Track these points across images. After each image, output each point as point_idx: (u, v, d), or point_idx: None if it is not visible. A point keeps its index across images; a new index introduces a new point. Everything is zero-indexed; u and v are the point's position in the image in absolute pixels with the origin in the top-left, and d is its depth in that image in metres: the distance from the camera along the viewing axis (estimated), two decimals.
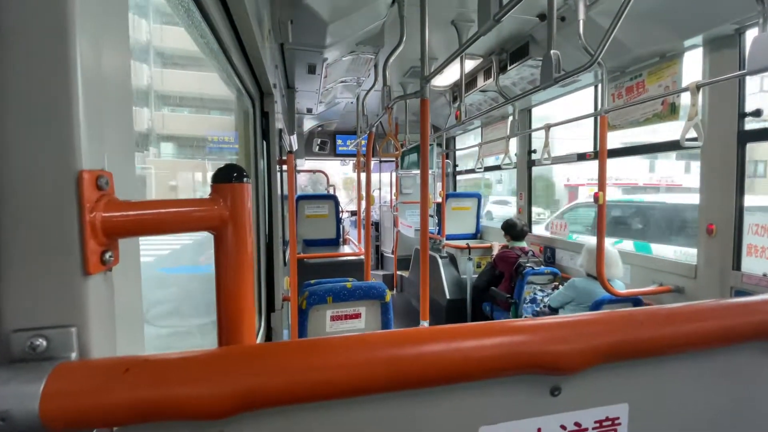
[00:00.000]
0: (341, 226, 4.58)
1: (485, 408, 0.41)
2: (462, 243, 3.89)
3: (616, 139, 2.67)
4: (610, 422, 0.45)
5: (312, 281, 2.17)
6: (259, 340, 1.59)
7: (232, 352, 0.37)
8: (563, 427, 0.43)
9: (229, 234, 0.41)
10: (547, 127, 2.89)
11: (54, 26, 0.33)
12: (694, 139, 1.73)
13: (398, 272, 5.09)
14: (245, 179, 0.41)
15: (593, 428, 0.44)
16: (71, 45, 0.33)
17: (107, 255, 0.36)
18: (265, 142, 1.89)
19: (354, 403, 0.38)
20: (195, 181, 1.53)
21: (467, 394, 0.41)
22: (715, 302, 0.49)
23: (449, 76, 3.41)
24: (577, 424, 0.44)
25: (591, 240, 2.41)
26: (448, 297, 3.71)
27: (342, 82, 3.14)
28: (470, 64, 3.20)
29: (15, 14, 0.32)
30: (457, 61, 2.42)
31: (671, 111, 2.27)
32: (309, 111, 3.86)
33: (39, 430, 0.30)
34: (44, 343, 0.33)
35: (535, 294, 2.92)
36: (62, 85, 0.33)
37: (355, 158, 5.11)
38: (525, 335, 0.41)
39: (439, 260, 3.86)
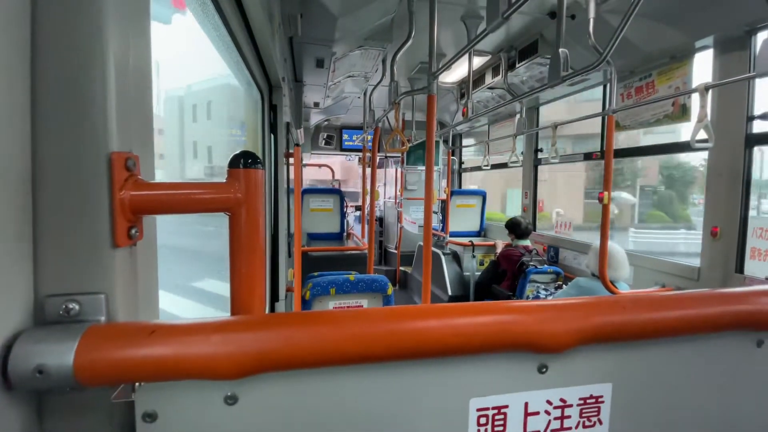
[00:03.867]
0: (345, 221, 4.60)
1: (476, 381, 0.44)
2: (465, 240, 3.90)
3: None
4: (594, 400, 0.47)
5: (315, 273, 2.20)
6: None
7: (247, 320, 0.40)
8: (549, 402, 0.46)
9: (242, 215, 0.43)
10: (554, 126, 2.88)
11: (89, 22, 0.36)
12: (705, 141, 1.72)
13: (401, 268, 5.12)
14: (258, 165, 0.44)
15: (578, 405, 0.46)
16: (105, 38, 0.36)
17: (133, 230, 0.40)
18: (272, 135, 1.92)
19: (356, 370, 0.41)
20: None
21: (459, 367, 0.43)
22: (699, 292, 0.51)
23: (457, 72, 3.41)
24: (562, 400, 0.46)
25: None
26: (450, 293, 3.73)
27: (349, 76, 3.15)
28: (478, 61, 3.19)
29: (55, 14, 0.35)
30: (466, 57, 2.42)
31: (682, 112, 2.25)
32: (316, 105, 3.88)
33: (72, 384, 0.33)
34: (77, 307, 0.36)
35: (538, 293, 2.93)
36: (97, 74, 0.36)
37: (360, 153, 5.13)
38: (515, 315, 0.43)
39: (442, 257, 3.88)
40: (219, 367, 0.35)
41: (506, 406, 0.44)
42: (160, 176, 0.56)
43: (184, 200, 0.42)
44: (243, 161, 0.43)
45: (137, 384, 0.37)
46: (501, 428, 0.44)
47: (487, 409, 0.44)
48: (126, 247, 0.40)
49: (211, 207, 0.44)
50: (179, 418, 0.38)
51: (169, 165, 1.05)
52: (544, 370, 0.45)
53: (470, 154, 5.52)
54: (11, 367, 0.32)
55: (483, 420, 0.44)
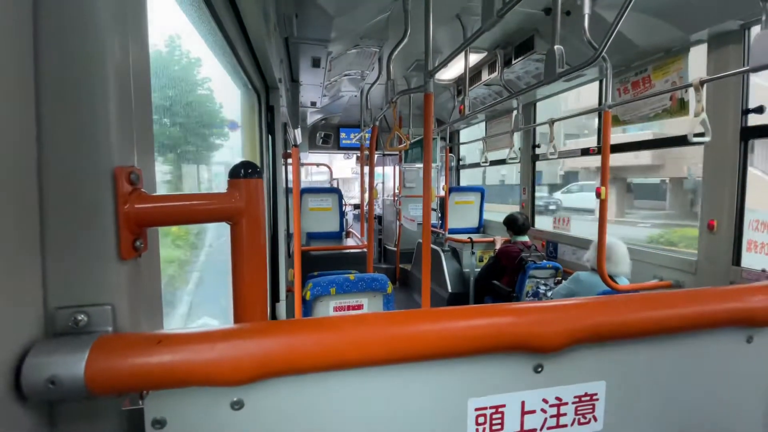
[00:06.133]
0: (344, 219, 4.61)
1: (474, 381, 0.45)
2: (465, 237, 3.91)
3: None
4: (588, 398, 0.48)
5: (315, 273, 2.21)
6: None
7: (251, 328, 0.41)
8: (545, 400, 0.47)
9: (244, 225, 0.44)
10: (551, 122, 2.89)
11: (89, 34, 0.36)
12: (702, 135, 1.73)
13: (400, 266, 5.13)
14: (258, 174, 0.45)
15: (573, 403, 0.48)
16: (107, 54, 0.37)
17: (138, 242, 0.40)
18: (270, 136, 1.92)
19: (358, 373, 0.42)
20: None
21: (458, 368, 0.44)
22: (693, 290, 0.52)
23: (453, 70, 3.41)
24: (558, 398, 0.47)
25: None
26: (450, 290, 3.75)
27: (346, 75, 3.15)
28: (474, 58, 3.19)
29: (56, 28, 0.36)
30: (462, 55, 2.42)
31: (680, 106, 2.26)
32: (313, 104, 3.88)
33: (84, 394, 0.34)
34: (85, 318, 0.37)
35: (537, 288, 2.95)
36: (98, 89, 0.37)
37: (358, 152, 5.12)
38: (510, 317, 0.44)
39: (442, 254, 3.89)
40: (224, 373, 0.36)
41: (503, 405, 0.45)
42: None
43: (187, 211, 0.43)
44: (243, 171, 0.44)
45: (146, 392, 0.38)
46: (498, 427, 0.46)
47: (485, 408, 0.45)
48: (131, 260, 0.40)
49: (213, 217, 0.44)
50: (187, 424, 0.39)
51: None
52: (540, 369, 0.46)
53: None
54: (24, 379, 0.33)
55: (481, 419, 0.45)
